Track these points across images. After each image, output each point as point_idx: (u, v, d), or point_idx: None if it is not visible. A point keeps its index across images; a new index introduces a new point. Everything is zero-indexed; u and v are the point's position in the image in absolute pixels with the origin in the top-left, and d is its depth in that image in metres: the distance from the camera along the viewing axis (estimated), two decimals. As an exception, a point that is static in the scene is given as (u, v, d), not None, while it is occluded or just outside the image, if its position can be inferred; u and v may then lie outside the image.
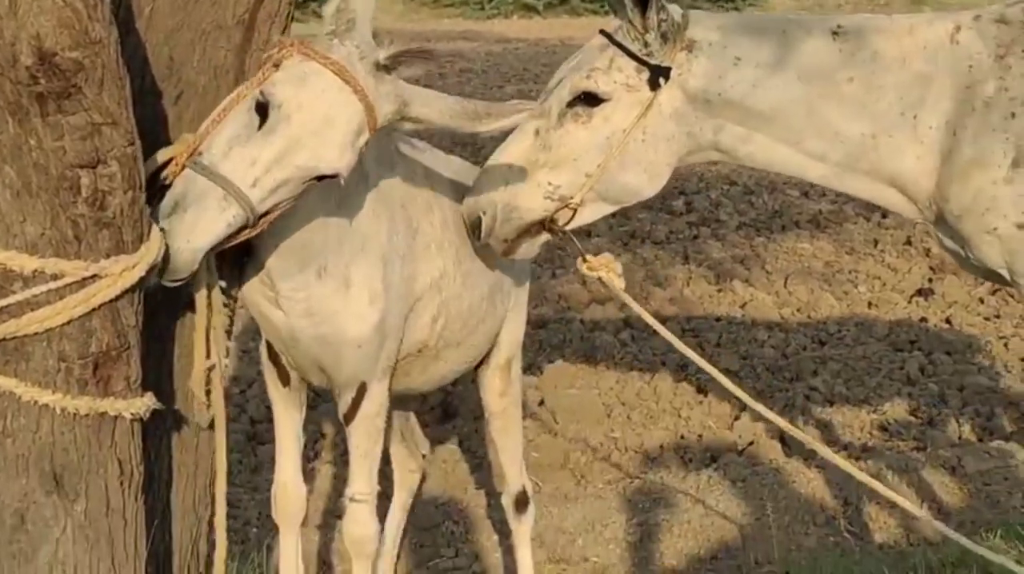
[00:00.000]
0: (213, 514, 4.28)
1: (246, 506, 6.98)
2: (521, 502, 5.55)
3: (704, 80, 4.18)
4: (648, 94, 4.19)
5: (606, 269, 4.45)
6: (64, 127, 3.34)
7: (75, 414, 3.50)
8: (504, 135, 4.28)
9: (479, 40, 26.96)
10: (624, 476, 7.32)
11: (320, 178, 3.83)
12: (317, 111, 3.76)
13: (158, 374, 4.01)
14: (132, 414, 3.61)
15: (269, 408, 7.79)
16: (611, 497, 7.01)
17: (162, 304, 3.97)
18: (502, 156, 4.31)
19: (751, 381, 8.59)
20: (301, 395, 4.84)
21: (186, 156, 3.77)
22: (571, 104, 4.23)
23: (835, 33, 4.18)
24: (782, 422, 4.52)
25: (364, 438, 4.64)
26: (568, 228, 4.38)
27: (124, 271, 3.49)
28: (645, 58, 4.18)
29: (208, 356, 4.11)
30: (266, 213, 3.82)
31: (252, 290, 4.39)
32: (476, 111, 4.00)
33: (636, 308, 4.59)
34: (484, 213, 4.33)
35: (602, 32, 4.28)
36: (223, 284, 4.13)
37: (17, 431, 3.49)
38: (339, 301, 4.32)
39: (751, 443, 7.70)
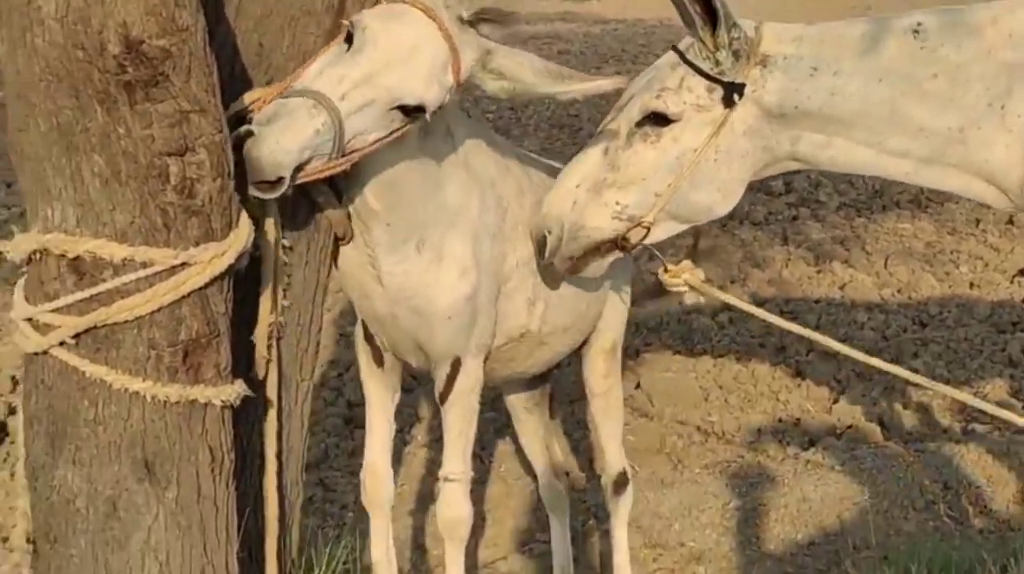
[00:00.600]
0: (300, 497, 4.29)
1: (343, 490, 7.00)
2: (620, 484, 5.54)
3: (780, 94, 4.08)
4: (720, 112, 4.08)
5: (689, 273, 4.37)
6: (152, 115, 3.35)
7: (165, 401, 3.52)
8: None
9: (577, 21, 26.82)
10: (721, 460, 7.26)
11: (406, 112, 3.89)
12: (404, 39, 3.87)
13: (248, 361, 4.02)
14: (222, 401, 3.62)
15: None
16: (708, 481, 6.95)
17: (251, 291, 3.98)
18: (569, 175, 4.24)
19: (850, 363, 8.46)
20: (395, 378, 4.85)
21: (278, 92, 3.84)
22: (640, 124, 4.13)
23: (915, 31, 4.07)
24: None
25: (459, 416, 4.64)
26: (641, 245, 4.27)
27: (213, 259, 3.50)
28: (717, 76, 4.07)
29: (272, 310, 4.09)
30: (352, 151, 3.87)
31: (355, 267, 4.41)
32: (559, 71, 4.05)
33: (728, 299, 4.53)
34: (550, 232, 4.25)
35: (674, 49, 4.18)
36: (287, 243, 4.13)
37: (109, 419, 3.52)
38: (432, 274, 4.35)
39: (850, 426, 7.60)
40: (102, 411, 3.51)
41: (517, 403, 5.63)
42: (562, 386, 7.33)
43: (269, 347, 4.12)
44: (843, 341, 8.75)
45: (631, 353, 8.46)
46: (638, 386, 8.05)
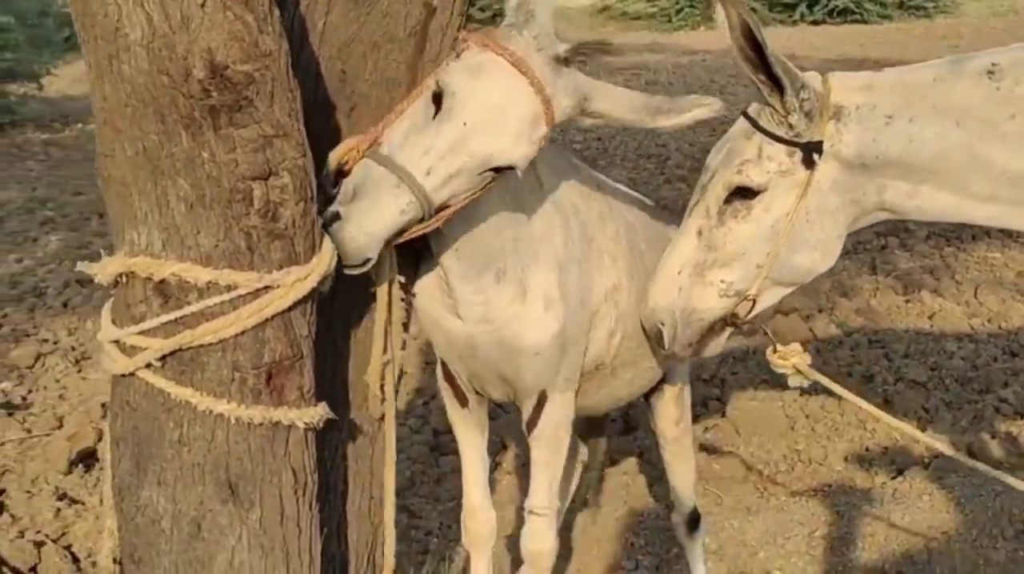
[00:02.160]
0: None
1: (428, 516, 7.02)
2: (693, 520, 5.53)
3: (858, 146, 4.02)
4: (804, 173, 4.02)
5: (798, 357, 4.34)
6: (236, 140, 3.39)
7: (249, 423, 3.55)
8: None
9: (665, 52, 26.88)
10: (807, 488, 7.21)
11: (496, 170, 3.84)
12: (491, 99, 3.76)
13: (333, 384, 4.05)
14: (306, 423, 3.65)
15: (451, 419, 7.90)
16: (794, 509, 6.91)
17: (337, 314, 4.01)
18: (669, 262, 4.19)
19: (939, 392, 8.41)
20: (482, 415, 4.83)
21: (367, 146, 3.82)
22: (728, 201, 4.10)
23: (990, 72, 4.02)
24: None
25: (545, 450, 4.61)
26: (750, 318, 4.24)
27: (296, 282, 3.53)
28: (794, 139, 4.02)
29: (385, 351, 4.14)
30: (443, 207, 3.83)
31: (429, 299, 4.38)
32: (657, 106, 4.00)
33: (835, 387, 4.44)
34: (663, 323, 4.21)
35: (745, 116, 4.12)
36: (402, 279, 4.16)
37: (193, 440, 3.55)
38: (516, 307, 4.30)
39: (937, 456, 7.52)
40: (187, 432, 3.55)
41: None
42: (647, 416, 7.34)
43: (382, 386, 4.17)
44: (933, 370, 8.77)
45: (716, 382, 8.44)
46: (723, 415, 8.03)
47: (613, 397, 5.01)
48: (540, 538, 4.70)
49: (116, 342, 3.58)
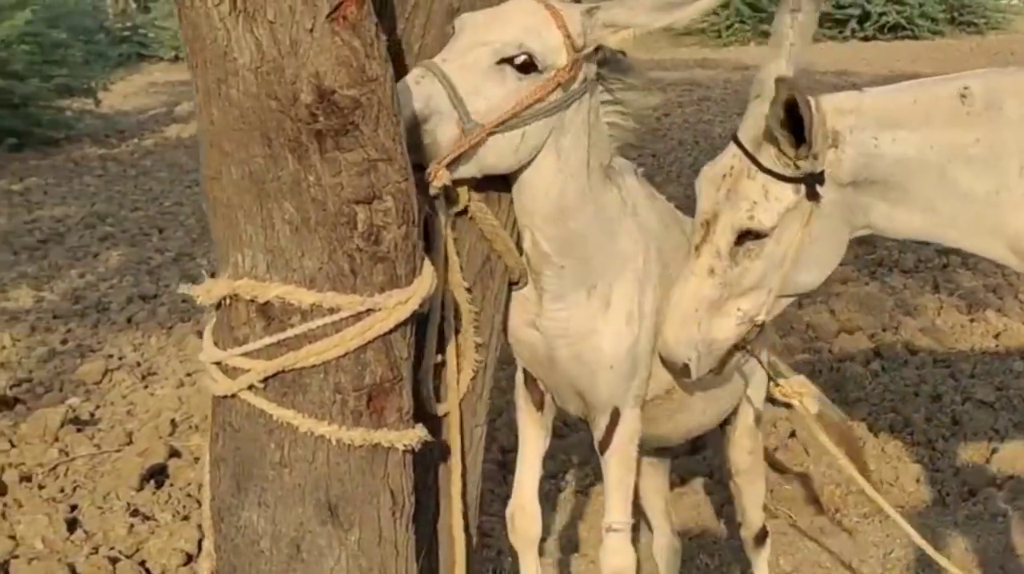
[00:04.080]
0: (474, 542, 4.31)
1: (499, 535, 7.00)
2: (761, 538, 5.56)
3: (853, 168, 4.02)
4: (808, 203, 4.05)
5: (799, 395, 4.44)
6: (342, 163, 3.41)
7: (350, 445, 3.57)
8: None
9: (716, 68, 26.88)
10: (879, 510, 7.16)
11: (520, 68, 3.94)
12: (497, 7, 4.05)
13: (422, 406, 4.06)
14: (404, 445, 3.66)
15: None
16: (867, 531, 6.89)
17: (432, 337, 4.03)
18: (684, 301, 4.19)
19: (1007, 413, 8.36)
20: (550, 421, 4.83)
21: None
22: (739, 242, 4.10)
23: (962, 96, 4.03)
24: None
25: (618, 466, 4.62)
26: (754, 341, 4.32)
27: (398, 305, 3.54)
28: (797, 176, 4.02)
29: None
30: (488, 123, 3.90)
31: (513, 312, 4.43)
32: (668, 2, 4.04)
33: (828, 445, 4.51)
34: (689, 359, 4.23)
35: (746, 154, 4.07)
36: (466, 285, 4.19)
37: (294, 462, 3.57)
38: (598, 320, 4.35)
39: (1011, 477, 7.48)
40: (288, 454, 3.57)
41: (643, 458, 5.55)
42: (715, 435, 7.33)
43: (436, 387, 4.18)
44: (1000, 390, 8.73)
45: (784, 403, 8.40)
46: (792, 435, 8.00)
47: (685, 426, 5.01)
48: (621, 553, 4.68)
49: (218, 363, 3.61)
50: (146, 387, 9.25)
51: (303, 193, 3.41)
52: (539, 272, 4.28)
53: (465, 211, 4.15)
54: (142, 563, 6.64)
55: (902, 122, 4.02)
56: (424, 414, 3.98)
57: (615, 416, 4.55)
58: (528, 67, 3.95)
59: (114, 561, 6.58)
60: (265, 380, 3.53)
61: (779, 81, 3.87)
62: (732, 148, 4.12)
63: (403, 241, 3.53)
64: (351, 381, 3.55)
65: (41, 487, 7.53)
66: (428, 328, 4.04)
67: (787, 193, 4.03)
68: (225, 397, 3.62)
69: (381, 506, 3.66)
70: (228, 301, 3.54)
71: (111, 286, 11.93)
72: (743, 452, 5.30)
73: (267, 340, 3.50)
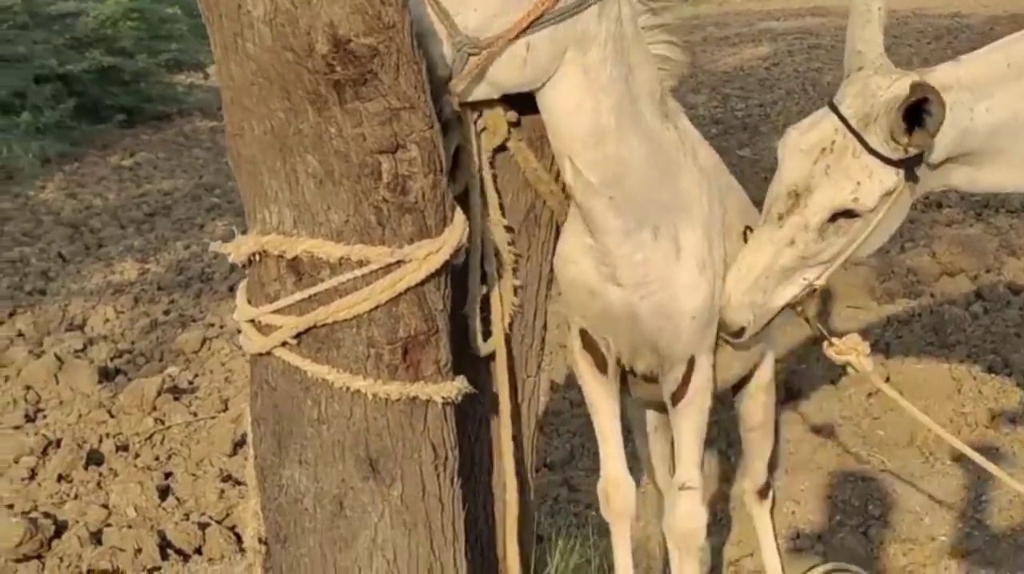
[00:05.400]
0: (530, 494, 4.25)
1: (588, 489, 6.96)
2: (764, 491, 5.43)
3: (948, 146, 3.98)
4: (904, 184, 4.01)
5: (855, 352, 4.34)
6: (363, 114, 3.36)
7: (387, 399, 3.52)
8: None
9: (828, 15, 26.41)
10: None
11: None
12: None
13: (473, 357, 4.01)
14: (443, 398, 3.61)
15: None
16: (960, 474, 6.74)
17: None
18: (759, 266, 4.18)
19: (1110, 353, 8.16)
20: (617, 384, 4.71)
21: None
22: (831, 219, 4.06)
23: None
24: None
25: (695, 416, 4.50)
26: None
27: (428, 255, 3.48)
28: (903, 158, 3.96)
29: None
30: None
31: (585, 270, 4.29)
32: None
33: (895, 397, 4.59)
34: (748, 322, 4.26)
35: (856, 137, 3.97)
36: (507, 223, 4.12)
37: (332, 418, 3.54)
38: (671, 267, 4.21)
39: (1117, 420, 7.30)
40: (325, 410, 3.54)
41: (653, 419, 5.42)
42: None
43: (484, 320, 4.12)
44: (1106, 329, 8.51)
45: (881, 346, 8.25)
46: (888, 379, 7.84)
47: (721, 379, 4.79)
48: (692, 515, 4.58)
49: (252, 321, 3.59)
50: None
51: (325, 146, 3.37)
52: (588, 208, 4.08)
53: (504, 147, 4.07)
54: (231, 528, 6.68)
55: (995, 88, 3.97)
56: (474, 367, 3.93)
57: (691, 364, 4.43)
58: None
59: (204, 526, 6.64)
60: (298, 336, 3.51)
61: (916, 86, 3.78)
62: (829, 119, 4.02)
63: (431, 190, 3.48)
64: (384, 334, 3.50)
65: (136, 456, 7.61)
66: (470, 265, 3.97)
67: (890, 176, 3.97)
68: (261, 355, 3.61)
69: (423, 460, 3.62)
70: (258, 258, 3.52)
71: (215, 256, 11.98)
72: (759, 407, 5.16)
73: (298, 296, 3.47)
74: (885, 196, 3.99)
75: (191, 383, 8.84)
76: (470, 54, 3.67)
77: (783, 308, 4.29)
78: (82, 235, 12.94)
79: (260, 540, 3.82)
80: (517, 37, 3.69)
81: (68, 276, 11.62)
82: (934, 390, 7.70)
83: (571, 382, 8.22)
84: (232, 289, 10.83)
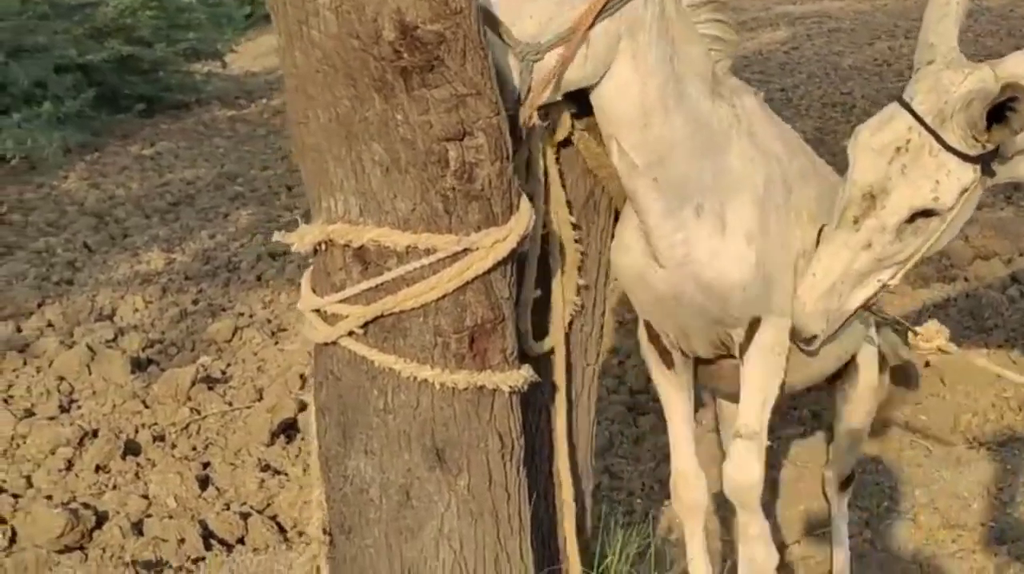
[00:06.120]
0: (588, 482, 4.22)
1: (629, 477, 6.95)
2: (847, 482, 5.44)
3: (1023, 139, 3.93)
4: (979, 177, 3.94)
5: (940, 337, 4.25)
6: (429, 101, 3.34)
7: (454, 389, 3.52)
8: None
9: (846, -1, 26.39)
10: (1020, 438, 6.98)
11: None
12: None
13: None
14: (510, 387, 3.60)
15: (648, 378, 7.76)
16: (1007, 459, 6.70)
17: (537, 276, 3.94)
18: (828, 273, 4.09)
19: None
20: (688, 376, 4.68)
21: None
22: (910, 219, 3.98)
23: None
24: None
25: (759, 369, 4.41)
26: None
27: (495, 243, 3.47)
28: (981, 154, 3.90)
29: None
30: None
31: (633, 254, 4.28)
32: None
33: (993, 369, 4.61)
34: (821, 330, 4.17)
35: (933, 135, 3.91)
36: (574, 220, 4.10)
37: (398, 408, 3.52)
38: (716, 242, 4.17)
39: None
40: (391, 400, 3.53)
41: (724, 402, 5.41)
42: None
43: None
44: None
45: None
46: (928, 365, 7.81)
47: (807, 376, 4.84)
48: (745, 467, 4.47)
49: (317, 311, 3.57)
50: (276, 343, 9.27)
51: (391, 133, 3.35)
52: (633, 189, 4.07)
53: (568, 141, 4.05)
54: (273, 518, 6.66)
55: None
56: (535, 355, 3.91)
57: (755, 323, 4.36)
58: None
59: (245, 516, 6.60)
60: (365, 326, 3.50)
61: (1007, 86, 3.73)
62: (902, 117, 3.98)
63: (497, 178, 3.45)
64: (452, 323, 3.49)
65: (173, 446, 7.58)
66: (527, 264, 3.94)
67: (967, 172, 3.91)
68: (326, 345, 3.59)
69: (490, 450, 3.61)
70: (323, 247, 3.51)
71: (241, 245, 11.97)
72: (861, 412, 5.14)
73: (364, 285, 3.45)
74: (963, 193, 3.93)
75: (224, 373, 8.80)
76: (534, 61, 3.66)
77: (856, 311, 4.21)
78: (107, 225, 12.90)
79: (324, 530, 3.80)
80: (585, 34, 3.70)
81: (95, 266, 11.58)
82: (975, 375, 7.63)
83: (606, 368, 8.19)
84: (260, 278, 10.82)
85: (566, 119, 4.02)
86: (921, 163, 3.92)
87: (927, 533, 6.09)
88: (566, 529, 4.15)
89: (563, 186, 4.06)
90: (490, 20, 3.60)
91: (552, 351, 4.08)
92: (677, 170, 4.07)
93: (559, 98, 3.85)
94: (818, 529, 6.22)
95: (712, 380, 4.75)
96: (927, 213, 3.96)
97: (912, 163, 3.94)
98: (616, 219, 4.28)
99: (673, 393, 4.67)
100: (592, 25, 3.70)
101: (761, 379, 4.43)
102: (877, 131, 4.01)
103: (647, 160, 4.01)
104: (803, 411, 7.18)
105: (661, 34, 3.90)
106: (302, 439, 7.49)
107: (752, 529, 4.62)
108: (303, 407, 7.70)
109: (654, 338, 4.59)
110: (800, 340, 4.24)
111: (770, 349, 4.39)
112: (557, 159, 4.04)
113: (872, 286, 4.13)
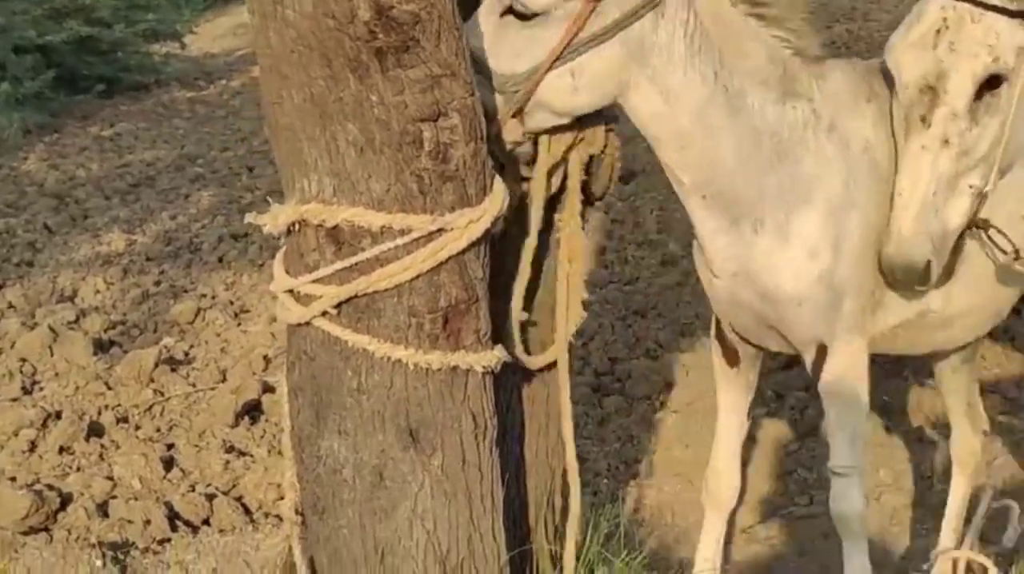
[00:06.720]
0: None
1: (595, 458, 6.95)
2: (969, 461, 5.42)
3: None
4: None
5: None
6: (404, 81, 3.34)
7: (427, 369, 3.52)
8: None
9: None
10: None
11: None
12: None
13: (505, 326, 3.99)
14: (484, 367, 3.60)
15: (612, 360, 7.77)
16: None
17: (509, 255, 3.94)
18: (921, 184, 3.88)
19: None
20: (751, 376, 4.68)
21: None
22: (978, 96, 3.85)
23: None
24: None
25: (836, 405, 4.36)
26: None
27: (469, 224, 3.48)
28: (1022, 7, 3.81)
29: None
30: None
31: (698, 258, 4.36)
32: None
33: None
34: (930, 258, 3.94)
35: (969, 2, 3.81)
36: (585, 226, 4.11)
37: (372, 388, 3.52)
38: (774, 256, 4.12)
39: None
40: (365, 380, 3.52)
41: (943, 363, 5.32)
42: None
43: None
44: None
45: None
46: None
47: (952, 342, 4.78)
48: (842, 499, 4.41)
49: (290, 291, 3.56)
50: (239, 325, 9.24)
51: (366, 113, 3.35)
52: (686, 204, 4.13)
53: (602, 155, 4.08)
54: (239, 499, 6.64)
55: None
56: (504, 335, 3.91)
57: (821, 352, 4.29)
58: (521, 15, 3.76)
59: (211, 497, 6.59)
60: (338, 306, 3.49)
61: None
62: (930, 3, 3.88)
63: (472, 158, 3.46)
64: (426, 303, 3.49)
65: (137, 428, 7.54)
66: (514, 290, 3.98)
67: (1018, 30, 3.82)
68: (299, 325, 3.58)
69: (463, 430, 3.61)
70: (297, 227, 3.50)
71: (202, 226, 11.93)
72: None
73: (338, 265, 3.45)
74: (1020, 50, 3.80)
75: (187, 354, 8.76)
76: (512, 91, 3.73)
77: (963, 231, 3.98)
78: (67, 206, 12.83)
79: (297, 511, 3.80)
80: (550, 68, 3.73)
81: (55, 247, 11.51)
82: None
83: (570, 350, 8.16)
84: (222, 260, 10.79)
85: (599, 135, 4.02)
86: (967, 33, 3.83)
87: (891, 513, 6.10)
88: (571, 503, 4.24)
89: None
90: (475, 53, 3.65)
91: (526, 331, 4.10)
92: (729, 188, 4.06)
93: (566, 121, 3.88)
94: (784, 509, 6.25)
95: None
96: (993, 82, 3.84)
97: (958, 37, 3.84)
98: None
99: (729, 390, 4.68)
100: (560, 56, 3.74)
101: (841, 417, 4.39)
102: (909, 28, 3.93)
103: (693, 179, 4.05)
104: (767, 392, 7.19)
105: (688, 55, 3.88)
106: (266, 420, 7.47)
107: (855, 560, 4.52)
108: (267, 388, 7.69)
109: (721, 335, 4.59)
110: (914, 279, 4.01)
111: (840, 381, 4.32)
112: (587, 170, 4.06)
113: (966, 194, 3.93)
